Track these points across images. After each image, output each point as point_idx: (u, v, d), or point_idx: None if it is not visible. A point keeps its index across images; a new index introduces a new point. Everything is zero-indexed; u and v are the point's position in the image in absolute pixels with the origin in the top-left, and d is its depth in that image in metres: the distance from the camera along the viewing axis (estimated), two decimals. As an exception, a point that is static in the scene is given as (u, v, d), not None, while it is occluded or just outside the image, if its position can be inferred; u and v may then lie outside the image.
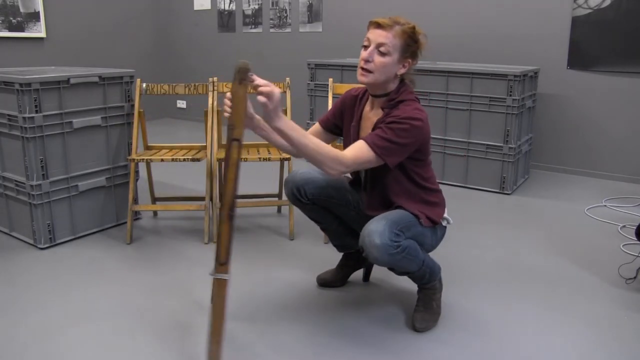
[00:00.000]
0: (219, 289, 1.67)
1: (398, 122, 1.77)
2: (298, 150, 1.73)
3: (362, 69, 1.83)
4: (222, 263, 1.64)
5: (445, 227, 2.04)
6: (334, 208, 2.11)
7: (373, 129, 1.85)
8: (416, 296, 2.08)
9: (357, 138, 1.96)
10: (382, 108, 1.89)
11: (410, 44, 1.84)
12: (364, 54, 1.83)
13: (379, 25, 1.82)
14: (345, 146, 2.04)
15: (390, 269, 1.90)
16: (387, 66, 1.82)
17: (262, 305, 2.15)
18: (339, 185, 2.08)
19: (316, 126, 2.13)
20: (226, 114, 1.63)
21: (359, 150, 1.76)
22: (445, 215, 2.02)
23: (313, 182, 2.04)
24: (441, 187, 2.05)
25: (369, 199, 2.02)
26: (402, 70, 1.86)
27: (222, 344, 1.68)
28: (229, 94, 1.63)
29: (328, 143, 2.13)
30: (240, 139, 1.59)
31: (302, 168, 2.11)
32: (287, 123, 1.67)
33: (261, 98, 1.60)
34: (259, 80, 1.62)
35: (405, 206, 1.91)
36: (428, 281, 2.02)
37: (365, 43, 1.84)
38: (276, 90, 1.62)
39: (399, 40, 1.81)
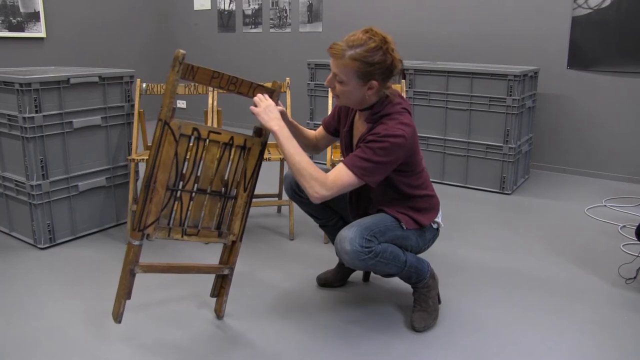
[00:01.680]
0: (127, 252, 1.75)
1: (377, 141, 1.74)
2: (286, 161, 1.78)
3: (332, 91, 1.86)
4: (133, 228, 1.72)
5: (437, 229, 2.03)
6: (332, 203, 2.12)
7: (357, 145, 1.84)
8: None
9: (349, 145, 1.99)
10: (366, 121, 1.87)
11: (365, 69, 1.73)
12: (328, 79, 1.83)
13: (331, 54, 1.76)
14: (341, 150, 2.07)
15: (372, 272, 1.92)
16: (350, 92, 1.79)
17: (262, 305, 2.15)
18: None
19: (320, 128, 2.15)
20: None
21: (338, 174, 1.75)
22: (437, 219, 2.00)
23: None
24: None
25: (355, 211, 2.04)
26: (370, 92, 1.79)
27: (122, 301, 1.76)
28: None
29: (329, 145, 2.18)
30: (167, 122, 1.71)
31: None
32: (280, 131, 1.77)
33: (253, 108, 1.80)
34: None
35: (387, 211, 1.90)
36: (417, 280, 2.02)
37: (330, 67, 1.83)
38: (262, 101, 1.81)
39: (350, 69, 1.73)
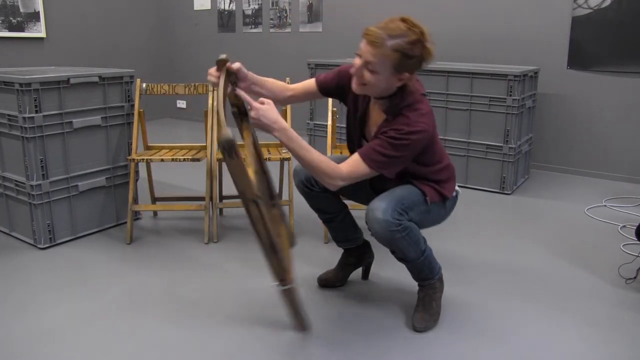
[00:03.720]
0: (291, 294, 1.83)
1: (399, 138, 1.72)
2: (297, 160, 1.76)
3: (357, 79, 1.76)
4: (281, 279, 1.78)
5: (456, 197, 2.03)
6: (344, 191, 2.09)
7: (376, 134, 1.80)
8: (416, 296, 2.08)
9: (360, 130, 1.96)
10: (384, 111, 1.83)
11: (403, 62, 1.67)
12: (354, 65, 1.74)
13: (369, 41, 1.66)
14: (348, 135, 2.03)
15: (392, 251, 1.90)
16: (379, 82, 1.72)
17: (261, 305, 2.15)
18: None
19: (311, 83, 2.02)
20: (211, 80, 1.74)
21: (354, 166, 1.75)
22: (456, 187, 2.01)
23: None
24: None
25: (374, 189, 2.01)
26: (399, 83, 1.74)
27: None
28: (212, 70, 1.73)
29: (306, 100, 2.08)
30: (256, 199, 1.62)
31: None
32: (285, 134, 1.72)
33: (253, 119, 1.73)
34: (245, 97, 1.75)
35: (414, 182, 1.90)
36: (426, 277, 2.01)
37: (358, 52, 1.72)
38: (255, 106, 1.71)
39: (389, 59, 1.66)
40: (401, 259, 1.94)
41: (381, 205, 1.78)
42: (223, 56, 1.70)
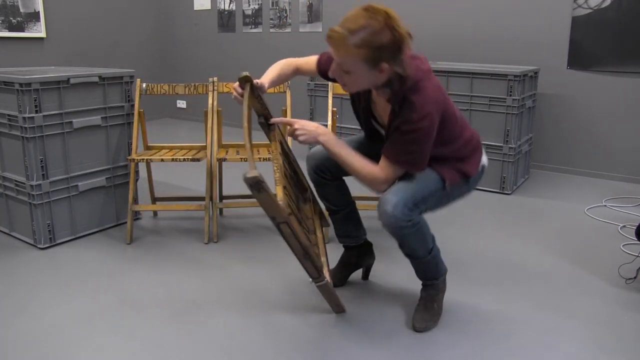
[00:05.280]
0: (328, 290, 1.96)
1: (411, 130, 1.68)
2: (342, 165, 1.81)
3: (339, 81, 1.74)
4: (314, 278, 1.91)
5: (482, 172, 1.96)
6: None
7: (389, 127, 1.76)
8: (417, 296, 2.08)
9: (369, 119, 1.96)
10: (388, 101, 1.75)
11: (374, 54, 1.57)
12: (331, 69, 1.70)
13: (331, 43, 1.60)
14: (356, 115, 2.02)
15: (400, 245, 1.88)
16: (359, 80, 1.66)
17: (261, 305, 2.15)
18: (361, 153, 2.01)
19: (313, 64, 2.00)
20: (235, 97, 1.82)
21: (387, 172, 1.77)
22: (482, 160, 1.94)
23: (329, 159, 2.06)
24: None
25: None
26: (384, 75, 1.65)
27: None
28: (235, 85, 1.82)
29: (314, 76, 2.08)
30: (287, 220, 1.68)
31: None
32: (329, 143, 1.79)
33: (288, 132, 1.82)
34: (278, 120, 1.87)
35: (434, 166, 1.84)
36: (431, 277, 2.01)
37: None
38: (293, 122, 1.79)
39: (357, 57, 1.57)
40: (408, 254, 1.92)
41: (392, 200, 1.74)
42: (245, 74, 1.77)
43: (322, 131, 1.80)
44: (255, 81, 1.82)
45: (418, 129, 1.68)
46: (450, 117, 1.78)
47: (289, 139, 2.70)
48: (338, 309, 2.08)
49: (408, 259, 1.96)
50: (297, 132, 1.79)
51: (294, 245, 1.76)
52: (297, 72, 2.06)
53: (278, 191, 1.76)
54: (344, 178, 2.16)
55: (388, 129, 1.79)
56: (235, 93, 1.83)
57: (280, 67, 2.01)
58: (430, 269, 1.98)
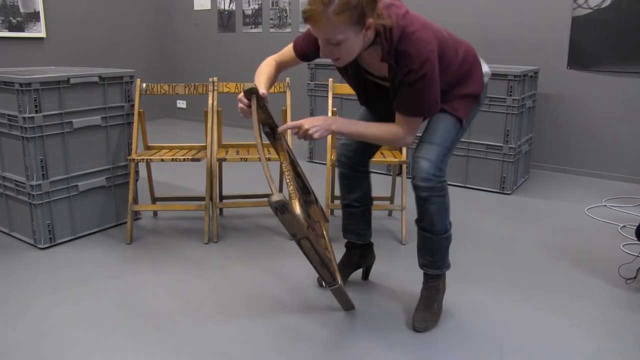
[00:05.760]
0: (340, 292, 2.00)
1: (417, 79, 1.67)
2: (362, 139, 1.84)
3: (331, 58, 1.73)
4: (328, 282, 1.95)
5: (486, 85, 1.97)
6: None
7: (392, 83, 1.75)
8: (417, 296, 2.08)
9: (362, 84, 1.97)
10: (382, 60, 1.74)
11: (356, 13, 1.57)
12: (321, 48, 1.69)
13: (311, 22, 1.59)
14: (354, 87, 2.02)
15: (419, 219, 1.91)
16: (351, 46, 1.64)
17: (261, 305, 2.15)
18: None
19: (290, 53, 1.99)
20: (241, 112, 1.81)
21: (409, 124, 1.78)
22: (484, 70, 1.93)
23: (361, 147, 2.10)
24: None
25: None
26: (370, 34, 1.64)
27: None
28: (240, 96, 1.80)
29: (296, 64, 2.04)
30: (307, 235, 1.70)
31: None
32: (341, 127, 1.79)
33: (300, 135, 1.78)
34: (285, 127, 1.81)
35: (446, 108, 1.85)
36: (437, 265, 1.99)
37: (315, 35, 1.66)
38: (301, 123, 1.77)
39: (342, 23, 1.57)
40: (425, 229, 1.92)
41: (425, 163, 1.80)
42: (251, 85, 1.78)
43: (331, 120, 1.79)
44: (261, 92, 1.81)
45: (422, 76, 1.68)
46: (444, 46, 1.76)
47: (289, 136, 2.70)
48: (348, 306, 2.10)
49: (421, 239, 1.96)
50: (310, 131, 1.76)
51: (312, 257, 1.79)
52: (281, 68, 2.03)
53: (294, 205, 1.77)
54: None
55: (393, 86, 1.77)
56: (241, 105, 1.81)
57: (266, 71, 1.99)
58: (440, 252, 1.96)
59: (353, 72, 1.95)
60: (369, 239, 2.28)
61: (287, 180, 1.83)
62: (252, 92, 1.78)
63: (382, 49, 1.71)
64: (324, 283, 2.15)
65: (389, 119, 1.88)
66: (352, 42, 1.63)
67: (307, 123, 1.77)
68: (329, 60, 4.39)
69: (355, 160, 2.13)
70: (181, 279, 2.38)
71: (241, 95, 1.80)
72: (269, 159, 2.75)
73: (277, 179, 3.81)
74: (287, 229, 1.66)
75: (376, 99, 2.06)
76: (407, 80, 1.70)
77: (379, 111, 2.08)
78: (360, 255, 2.30)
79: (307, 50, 1.95)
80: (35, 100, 2.55)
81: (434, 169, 1.80)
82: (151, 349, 1.85)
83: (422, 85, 1.70)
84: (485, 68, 1.95)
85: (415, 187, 1.83)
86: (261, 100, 1.82)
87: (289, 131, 1.87)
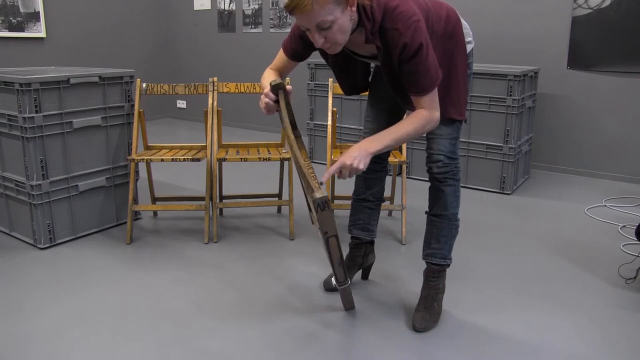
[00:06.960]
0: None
1: (414, 55, 1.65)
2: (402, 143, 1.84)
3: (325, 47, 1.70)
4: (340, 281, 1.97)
5: (472, 52, 1.98)
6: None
7: (387, 66, 1.75)
8: (417, 296, 2.08)
9: (353, 70, 2.01)
10: (366, 42, 1.72)
11: None
12: (313, 40, 1.66)
13: (299, 12, 1.57)
14: (336, 77, 2.04)
15: (433, 202, 1.97)
16: (342, 27, 1.62)
17: (261, 305, 2.15)
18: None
19: (282, 57, 1.99)
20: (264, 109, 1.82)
21: (425, 103, 1.74)
22: (468, 40, 1.93)
23: None
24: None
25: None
26: (353, 9, 1.63)
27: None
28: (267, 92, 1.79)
29: (292, 66, 2.03)
30: (336, 234, 1.74)
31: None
32: (377, 144, 1.73)
33: (345, 174, 1.70)
34: (328, 174, 1.71)
35: (448, 113, 1.89)
36: (442, 254, 2.00)
37: (304, 27, 1.64)
38: (341, 162, 1.68)
39: (328, 5, 1.56)
40: (436, 214, 1.98)
41: (442, 149, 1.91)
42: (279, 80, 1.76)
43: (365, 145, 1.71)
44: (287, 87, 1.77)
45: (417, 49, 1.65)
46: (427, 10, 1.77)
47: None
48: (350, 306, 2.12)
49: (430, 227, 2.00)
50: (355, 164, 1.67)
51: (334, 255, 1.80)
52: (281, 74, 2.04)
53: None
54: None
55: (389, 69, 1.76)
56: (265, 100, 1.77)
57: (270, 75, 1.98)
58: (448, 239, 1.99)
59: (342, 55, 1.92)
60: (373, 238, 2.29)
61: (309, 178, 1.80)
62: (279, 88, 1.76)
63: (365, 30, 1.68)
64: (334, 282, 2.18)
65: (395, 105, 1.98)
66: (342, 21, 1.62)
67: (347, 160, 1.68)
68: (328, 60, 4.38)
69: (383, 156, 2.16)
70: (181, 279, 2.38)
71: (267, 90, 1.79)
72: (269, 159, 2.75)
73: (278, 178, 3.81)
74: (321, 226, 1.68)
75: (374, 90, 2.10)
76: (405, 56, 1.67)
77: (384, 102, 2.08)
78: (364, 254, 2.31)
79: (297, 49, 1.93)
80: (35, 100, 2.55)
81: (450, 154, 1.92)
82: (151, 349, 1.85)
83: (420, 58, 1.67)
84: (469, 35, 1.97)
85: (431, 172, 1.93)
86: (287, 96, 1.81)
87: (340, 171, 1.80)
